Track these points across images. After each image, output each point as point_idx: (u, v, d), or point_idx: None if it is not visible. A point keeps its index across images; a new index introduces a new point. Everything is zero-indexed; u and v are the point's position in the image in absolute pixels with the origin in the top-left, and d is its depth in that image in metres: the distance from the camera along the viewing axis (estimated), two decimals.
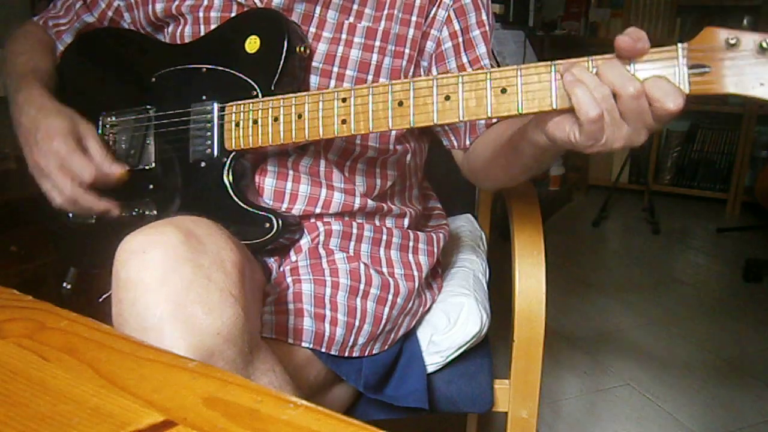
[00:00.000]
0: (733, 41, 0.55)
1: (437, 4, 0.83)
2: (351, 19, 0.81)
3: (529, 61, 2.38)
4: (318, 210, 0.82)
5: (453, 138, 0.87)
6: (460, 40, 0.84)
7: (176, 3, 0.83)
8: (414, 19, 0.82)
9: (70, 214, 0.88)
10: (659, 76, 0.56)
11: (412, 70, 0.84)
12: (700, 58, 0.56)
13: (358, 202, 0.83)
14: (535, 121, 0.63)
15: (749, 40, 0.55)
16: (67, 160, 0.75)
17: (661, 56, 0.57)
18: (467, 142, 0.86)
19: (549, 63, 0.60)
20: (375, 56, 0.81)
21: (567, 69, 0.58)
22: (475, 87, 0.63)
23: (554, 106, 0.60)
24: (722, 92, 0.56)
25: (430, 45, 0.84)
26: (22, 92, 0.82)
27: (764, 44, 0.54)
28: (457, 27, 0.84)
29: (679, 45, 0.57)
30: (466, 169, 0.90)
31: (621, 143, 0.58)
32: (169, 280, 0.53)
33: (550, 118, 0.60)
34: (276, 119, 0.73)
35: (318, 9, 0.80)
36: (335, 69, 0.80)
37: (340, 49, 0.80)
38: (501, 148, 0.75)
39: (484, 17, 0.85)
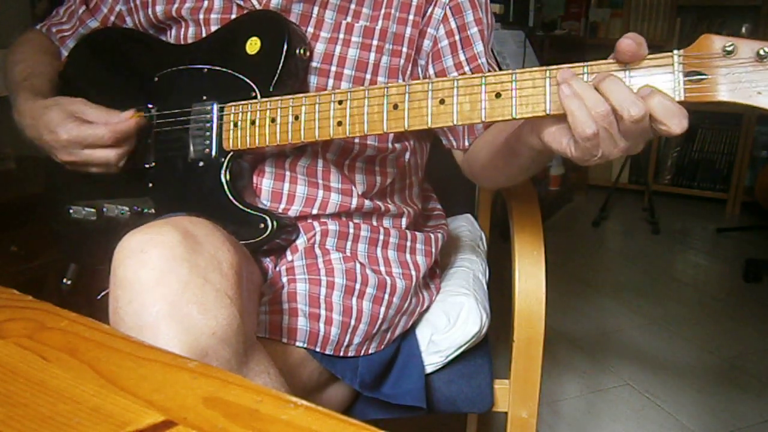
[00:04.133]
0: (730, 48, 0.54)
1: (434, 2, 0.82)
2: (349, 19, 0.81)
3: (529, 60, 2.38)
4: (315, 211, 0.82)
5: (452, 138, 0.87)
6: (457, 38, 0.83)
7: (176, 6, 0.84)
8: (411, 17, 0.82)
9: (71, 210, 0.88)
10: (664, 94, 0.55)
11: (409, 68, 0.84)
12: (697, 65, 0.56)
13: (354, 203, 0.83)
14: (530, 125, 0.63)
15: (747, 47, 0.54)
16: (82, 138, 0.76)
17: (657, 63, 0.57)
18: (466, 143, 0.86)
19: (544, 69, 0.60)
20: (373, 55, 0.81)
21: (564, 79, 0.57)
22: (469, 91, 0.63)
23: (548, 112, 0.59)
24: (718, 100, 0.55)
25: (427, 43, 0.84)
26: (17, 107, 0.83)
27: (762, 52, 0.53)
28: (453, 25, 0.83)
29: (675, 52, 0.56)
30: (466, 170, 0.90)
31: (618, 155, 0.58)
32: (165, 280, 0.53)
33: (545, 122, 0.60)
34: (273, 120, 0.73)
35: (316, 9, 0.80)
36: (333, 68, 0.80)
37: (338, 48, 0.80)
38: (498, 150, 0.75)
39: (481, 15, 0.85)
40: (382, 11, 0.81)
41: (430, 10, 0.83)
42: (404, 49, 0.82)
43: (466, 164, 0.88)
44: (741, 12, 3.47)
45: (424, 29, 0.83)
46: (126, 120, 0.78)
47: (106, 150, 0.77)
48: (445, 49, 0.84)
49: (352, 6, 0.81)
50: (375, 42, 0.81)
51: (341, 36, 0.81)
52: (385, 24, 0.81)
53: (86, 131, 0.76)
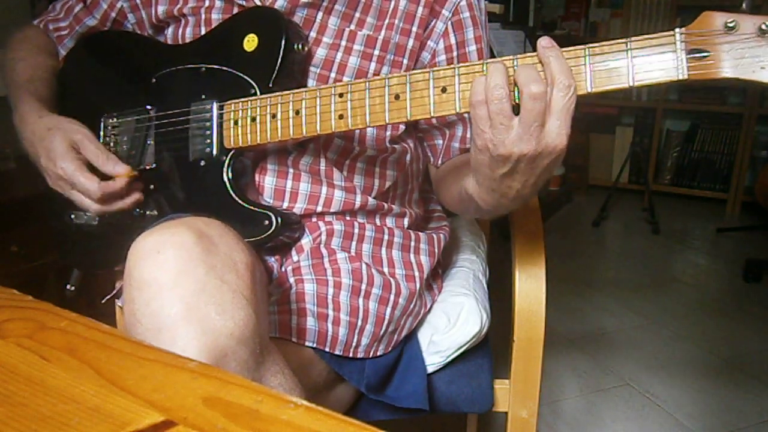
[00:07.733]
0: (731, 24, 0.54)
1: (437, 16, 0.83)
2: (352, 27, 0.81)
3: None
4: (319, 209, 0.82)
5: (429, 153, 0.91)
6: (455, 54, 0.85)
7: (178, 6, 0.84)
8: (414, 29, 0.82)
9: (72, 215, 0.88)
10: (526, 64, 0.59)
11: None
12: (699, 42, 0.55)
13: (359, 200, 0.83)
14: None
15: (749, 23, 0.54)
16: (74, 181, 0.77)
17: (659, 42, 0.57)
18: (439, 162, 0.89)
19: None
20: (373, 65, 0.81)
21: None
22: (471, 78, 0.63)
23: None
24: (721, 77, 0.55)
25: (425, 56, 0.85)
26: (18, 110, 0.83)
27: (764, 26, 0.53)
28: (453, 41, 0.84)
29: (677, 30, 0.56)
30: (434, 186, 0.94)
31: (510, 146, 0.59)
32: (182, 281, 0.53)
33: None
34: (274, 116, 0.73)
35: (320, 15, 0.80)
36: (332, 75, 0.81)
37: (339, 55, 0.80)
38: (455, 190, 0.79)
39: (481, 33, 0.86)
40: (386, 21, 0.82)
41: (432, 23, 0.83)
42: (405, 61, 0.83)
43: (434, 182, 0.93)
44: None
45: (425, 42, 0.84)
46: (118, 173, 0.78)
47: (89, 201, 0.79)
48: (441, 64, 0.85)
49: (357, 14, 0.81)
50: (376, 52, 0.81)
51: (343, 43, 0.81)
52: (388, 34, 0.81)
53: (79, 178, 0.76)
